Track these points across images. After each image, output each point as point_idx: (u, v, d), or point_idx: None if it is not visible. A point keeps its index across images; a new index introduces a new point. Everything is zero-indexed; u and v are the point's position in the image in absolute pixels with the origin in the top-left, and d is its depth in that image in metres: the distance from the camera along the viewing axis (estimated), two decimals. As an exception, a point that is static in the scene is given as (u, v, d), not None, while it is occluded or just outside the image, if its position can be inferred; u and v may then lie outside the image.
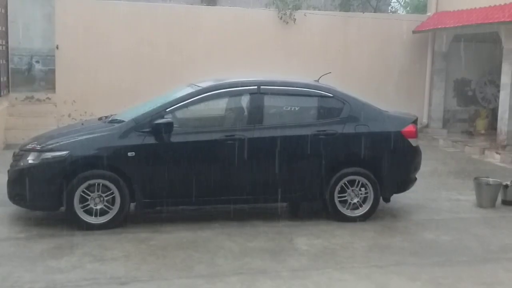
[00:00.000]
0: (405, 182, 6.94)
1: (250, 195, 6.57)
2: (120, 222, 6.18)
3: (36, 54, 14.63)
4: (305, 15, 13.36)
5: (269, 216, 6.82)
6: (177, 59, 12.76)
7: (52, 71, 13.09)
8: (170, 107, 6.45)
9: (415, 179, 7.09)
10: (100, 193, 6.07)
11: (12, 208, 6.52)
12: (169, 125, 6.22)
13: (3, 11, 11.89)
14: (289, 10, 13.29)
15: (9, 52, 12.64)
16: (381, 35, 13.78)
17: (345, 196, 6.61)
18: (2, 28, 11.82)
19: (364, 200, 6.66)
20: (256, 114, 6.59)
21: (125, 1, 13.62)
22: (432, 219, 6.98)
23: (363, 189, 6.64)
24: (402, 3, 23.14)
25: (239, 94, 6.86)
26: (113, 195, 6.10)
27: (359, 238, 6.11)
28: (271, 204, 7.05)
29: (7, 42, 12.27)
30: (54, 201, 6.08)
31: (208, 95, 6.65)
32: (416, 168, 7.05)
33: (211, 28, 13.06)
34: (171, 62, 12.71)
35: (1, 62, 11.82)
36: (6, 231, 6.09)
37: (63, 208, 6.13)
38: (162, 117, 6.30)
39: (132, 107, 7.03)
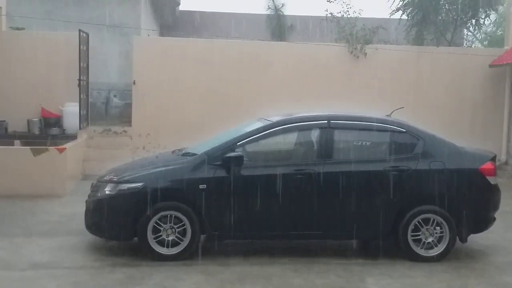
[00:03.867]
0: (483, 221, 6.65)
1: (320, 231, 6.48)
2: (191, 253, 6.24)
3: (113, 88, 15.29)
4: (376, 49, 13.26)
5: (339, 253, 6.70)
6: (248, 94, 12.95)
7: (129, 105, 13.62)
8: (241, 141, 6.53)
9: (494, 219, 6.77)
10: (172, 224, 6.18)
11: (89, 237, 6.73)
12: (240, 158, 6.28)
13: (84, 48, 12.54)
14: (360, 45, 13.24)
15: (89, 87, 13.26)
16: (456, 70, 13.44)
17: (419, 235, 6.39)
18: (83, 64, 12.46)
19: (440, 239, 6.41)
20: (326, 148, 6.56)
21: (198, 38, 14.07)
22: (511, 262, 6.61)
23: (438, 228, 6.40)
24: (478, 38, 22.58)
25: (309, 128, 6.87)
26: (185, 226, 6.19)
27: (433, 279, 5.88)
28: (342, 241, 6.92)
29: (87, 78, 12.90)
30: (128, 231, 6.24)
31: (278, 129, 6.69)
32: (495, 207, 6.74)
33: (281, 64, 13.20)
34: (241, 97, 12.91)
35: (82, 97, 12.41)
36: (81, 259, 6.29)
37: (136, 239, 6.28)
38: (233, 150, 6.38)
39: (204, 141, 7.17)
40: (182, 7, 23.69)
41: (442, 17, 15.21)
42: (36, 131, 12.71)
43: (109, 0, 15.89)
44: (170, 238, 6.19)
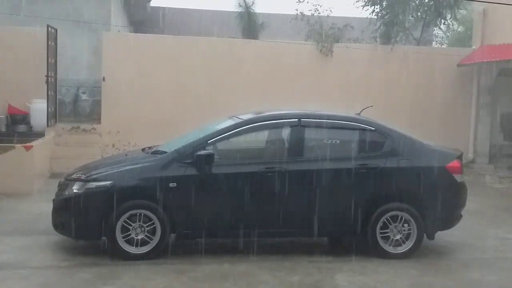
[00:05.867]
0: (450, 219, 6.76)
1: (290, 229, 6.51)
2: (160, 252, 6.20)
3: (83, 85, 15.04)
4: (346, 47, 13.36)
5: (309, 250, 6.73)
6: (219, 92, 12.90)
7: (98, 102, 13.43)
8: (212, 139, 6.51)
9: (461, 216, 6.89)
10: (141, 223, 6.13)
11: (56, 236, 6.62)
12: (210, 156, 6.26)
13: (52, 44, 12.32)
14: (328, 44, 13.31)
15: (57, 83, 13.04)
16: (425, 68, 13.62)
17: (387, 232, 6.47)
18: (51, 60, 12.24)
19: (407, 236, 6.50)
20: (296, 146, 6.59)
21: (169, 35, 13.96)
22: (477, 258, 6.76)
23: (406, 225, 6.49)
24: (447, 36, 22.90)
25: (280, 126, 6.89)
26: (154, 225, 6.14)
27: (401, 276, 5.96)
28: (312, 239, 6.95)
29: (55, 74, 12.69)
30: (96, 230, 6.15)
31: (249, 127, 6.70)
32: (462, 204, 6.87)
33: (252, 61, 13.19)
34: (212, 94, 12.86)
35: (50, 93, 12.19)
36: (49, 259, 6.19)
37: (105, 238, 6.20)
38: (204, 148, 6.35)
39: (174, 139, 7.13)
40: (153, 3, 23.50)
41: (408, 16, 15.38)
42: (3, 128, 12.43)
43: (80, -5, 15.63)
44: (139, 237, 6.13)
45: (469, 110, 13.71)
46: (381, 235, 6.47)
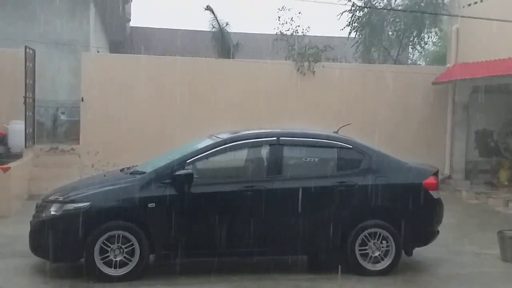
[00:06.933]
0: (427, 235, 6.83)
1: (270, 247, 6.53)
2: (139, 274, 6.15)
3: (62, 106, 14.99)
4: (323, 67, 13.52)
5: (288, 269, 6.74)
6: (198, 111, 12.93)
7: (77, 123, 13.37)
8: (191, 158, 6.51)
9: (438, 232, 6.96)
10: (120, 244, 6.08)
11: (34, 259, 6.53)
12: (189, 176, 6.26)
13: (30, 65, 12.27)
14: (307, 63, 13.47)
15: (36, 104, 12.96)
16: (401, 87, 13.81)
17: (366, 249, 6.51)
18: (29, 81, 12.17)
19: (386, 253, 6.54)
20: (275, 165, 6.62)
21: (148, 55, 14.00)
22: (455, 274, 6.83)
23: (384, 242, 6.54)
24: (422, 55, 23.32)
25: (259, 145, 6.92)
26: (133, 246, 6.10)
27: (381, 293, 5.99)
28: (291, 257, 6.96)
29: (33, 95, 12.61)
30: (75, 253, 6.10)
31: (228, 146, 6.72)
32: (438, 220, 6.94)
33: (231, 81, 13.27)
34: (192, 114, 12.88)
35: (28, 114, 12.11)
36: (26, 282, 6.11)
37: (83, 260, 6.14)
38: (183, 168, 6.35)
39: (153, 159, 7.13)
40: (132, 23, 23.58)
41: (387, 36, 15.67)
42: (-20, 150, 12.30)
43: (58, 16, 15.64)
44: (118, 258, 6.08)
45: (445, 126, 13.92)
46: (360, 252, 6.50)
